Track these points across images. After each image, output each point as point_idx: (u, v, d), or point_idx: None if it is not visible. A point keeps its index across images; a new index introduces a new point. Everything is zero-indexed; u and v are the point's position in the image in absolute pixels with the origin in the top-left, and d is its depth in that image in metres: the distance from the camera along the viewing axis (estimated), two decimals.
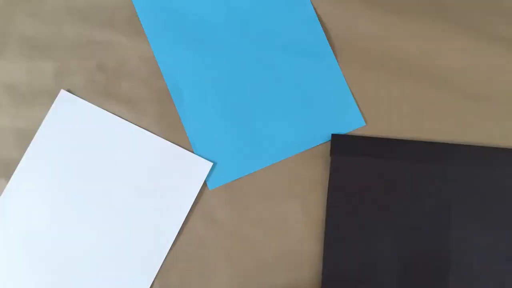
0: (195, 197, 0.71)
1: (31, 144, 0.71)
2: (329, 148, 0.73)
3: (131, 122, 0.74)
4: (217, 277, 0.71)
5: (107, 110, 0.74)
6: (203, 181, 0.71)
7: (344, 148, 0.70)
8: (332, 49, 0.76)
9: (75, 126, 0.72)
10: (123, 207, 0.70)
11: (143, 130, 0.72)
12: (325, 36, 0.75)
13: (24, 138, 0.74)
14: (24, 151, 0.73)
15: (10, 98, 0.75)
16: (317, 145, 0.73)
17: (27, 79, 0.75)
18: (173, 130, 0.74)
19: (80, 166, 0.71)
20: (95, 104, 0.74)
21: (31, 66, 0.76)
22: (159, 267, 0.70)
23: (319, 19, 0.76)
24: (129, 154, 0.72)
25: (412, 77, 0.75)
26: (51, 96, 0.75)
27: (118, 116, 0.74)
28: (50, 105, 0.74)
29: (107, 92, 0.75)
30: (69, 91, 0.75)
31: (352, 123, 0.73)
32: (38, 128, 0.74)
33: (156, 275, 0.70)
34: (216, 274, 0.71)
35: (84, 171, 0.71)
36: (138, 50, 0.76)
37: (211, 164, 0.71)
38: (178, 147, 0.72)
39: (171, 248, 0.71)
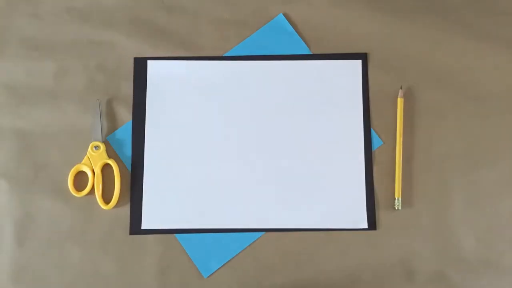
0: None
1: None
2: None
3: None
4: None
5: (107, 110, 0.74)
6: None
7: None
8: (331, 47, 0.76)
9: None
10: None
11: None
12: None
13: (24, 138, 0.74)
14: (24, 150, 0.73)
15: (10, 98, 0.75)
16: None
17: (27, 79, 0.75)
18: None
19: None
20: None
21: (31, 66, 0.76)
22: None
23: (319, 20, 0.77)
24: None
25: (412, 77, 0.75)
26: (51, 96, 0.75)
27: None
28: (50, 105, 0.74)
29: (107, 92, 0.75)
30: (69, 90, 0.75)
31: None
32: (37, 128, 0.74)
33: (155, 277, 0.71)
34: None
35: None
36: (138, 50, 0.76)
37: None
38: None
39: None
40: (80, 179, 0.73)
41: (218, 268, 0.71)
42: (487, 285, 0.70)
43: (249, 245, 0.71)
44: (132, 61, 0.76)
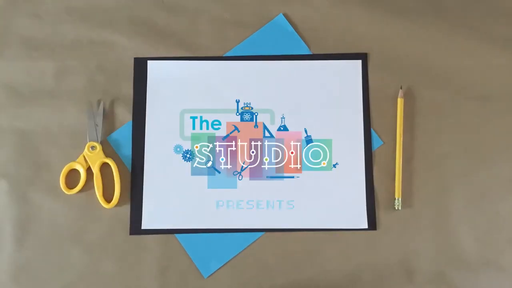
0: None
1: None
2: None
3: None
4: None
5: (107, 110, 0.74)
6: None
7: None
8: (331, 47, 0.76)
9: None
10: None
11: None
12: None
13: (24, 138, 0.74)
14: (24, 150, 0.73)
15: (10, 98, 0.75)
16: None
17: (27, 79, 0.75)
18: None
19: None
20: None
21: (31, 66, 0.76)
22: None
23: (319, 20, 0.77)
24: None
25: (412, 77, 0.75)
26: (51, 96, 0.75)
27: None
28: (50, 105, 0.74)
29: (107, 92, 0.75)
30: (69, 90, 0.75)
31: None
32: (37, 128, 0.74)
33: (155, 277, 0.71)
34: None
35: None
36: (138, 50, 0.76)
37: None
38: None
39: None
40: (73, 177, 0.72)
41: (218, 268, 0.71)
42: (487, 285, 0.70)
43: (249, 245, 0.71)
44: (132, 61, 0.76)
